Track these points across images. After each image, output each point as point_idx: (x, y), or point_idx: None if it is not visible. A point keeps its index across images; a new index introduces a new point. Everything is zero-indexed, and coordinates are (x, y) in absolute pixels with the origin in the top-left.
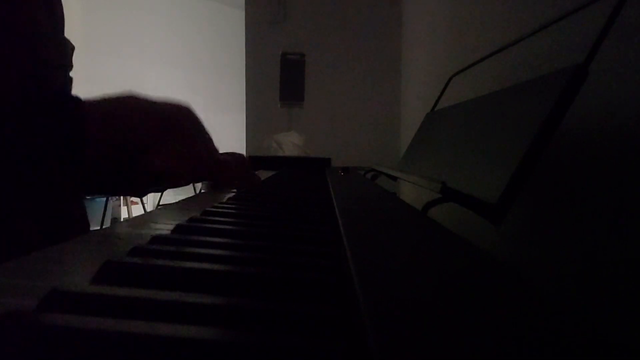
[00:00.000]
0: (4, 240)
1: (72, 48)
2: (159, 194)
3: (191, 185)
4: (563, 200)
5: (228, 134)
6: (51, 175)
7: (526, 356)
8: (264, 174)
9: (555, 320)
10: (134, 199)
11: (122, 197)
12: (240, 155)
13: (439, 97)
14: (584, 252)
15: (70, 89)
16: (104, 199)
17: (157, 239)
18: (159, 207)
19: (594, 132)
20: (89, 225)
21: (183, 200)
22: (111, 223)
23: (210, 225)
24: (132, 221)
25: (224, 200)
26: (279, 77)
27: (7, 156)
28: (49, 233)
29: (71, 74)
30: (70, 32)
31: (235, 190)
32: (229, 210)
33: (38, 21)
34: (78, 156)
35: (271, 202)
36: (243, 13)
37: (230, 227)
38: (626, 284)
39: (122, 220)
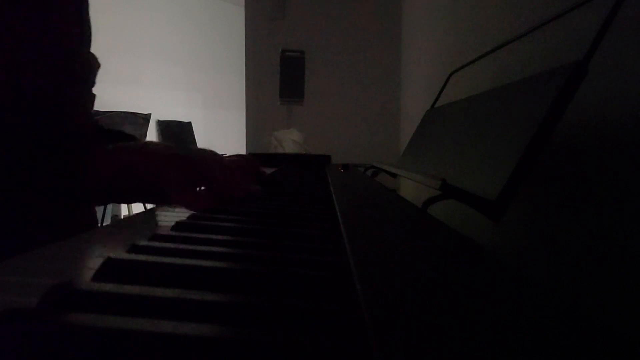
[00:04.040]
0: (14, 245)
1: (99, 66)
2: None
3: None
4: (562, 197)
5: (228, 131)
6: (58, 181)
7: (525, 352)
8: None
9: (554, 315)
10: None
11: None
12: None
13: (439, 94)
14: (583, 248)
15: (92, 106)
16: None
17: (158, 236)
18: None
19: (594, 129)
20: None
21: None
22: (111, 220)
23: (210, 223)
24: (132, 219)
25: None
26: (279, 74)
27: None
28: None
29: None
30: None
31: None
32: (230, 207)
33: (70, 37)
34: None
35: (272, 200)
36: (243, 10)
37: (230, 224)
38: (625, 279)
39: (122, 217)
